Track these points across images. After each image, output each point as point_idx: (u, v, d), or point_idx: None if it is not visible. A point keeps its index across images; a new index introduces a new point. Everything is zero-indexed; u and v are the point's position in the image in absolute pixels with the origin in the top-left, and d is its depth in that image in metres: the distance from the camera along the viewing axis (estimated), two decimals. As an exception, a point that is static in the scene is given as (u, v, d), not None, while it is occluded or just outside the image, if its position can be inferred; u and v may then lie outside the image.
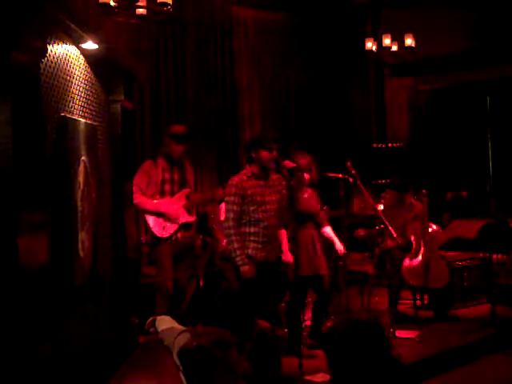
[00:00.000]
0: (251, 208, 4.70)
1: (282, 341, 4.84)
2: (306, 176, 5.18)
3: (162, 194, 5.48)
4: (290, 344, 4.79)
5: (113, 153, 4.70)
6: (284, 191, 4.83)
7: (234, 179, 4.78)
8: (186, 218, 5.49)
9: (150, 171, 5.45)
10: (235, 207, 4.68)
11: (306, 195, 5.21)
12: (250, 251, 4.68)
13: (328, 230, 5.41)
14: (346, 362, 2.22)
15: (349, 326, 2.29)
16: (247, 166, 4.86)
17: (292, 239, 4.88)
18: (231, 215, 4.68)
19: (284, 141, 8.11)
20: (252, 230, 4.71)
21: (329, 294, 5.25)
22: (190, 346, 2.47)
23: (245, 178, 4.75)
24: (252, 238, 4.70)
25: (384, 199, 6.41)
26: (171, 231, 5.41)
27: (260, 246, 4.71)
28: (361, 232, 6.29)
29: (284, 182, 4.78)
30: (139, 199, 5.33)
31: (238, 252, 4.62)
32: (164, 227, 5.36)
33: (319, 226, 5.34)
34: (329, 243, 5.41)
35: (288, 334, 5.00)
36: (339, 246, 5.40)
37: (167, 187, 5.51)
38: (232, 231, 4.66)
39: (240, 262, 4.61)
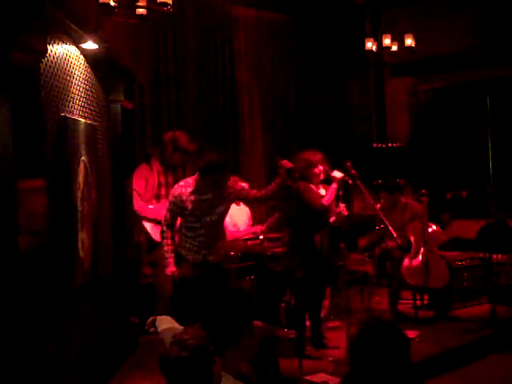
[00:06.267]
0: (189, 219, 4.72)
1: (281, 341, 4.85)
2: (317, 172, 5.10)
3: (158, 197, 5.46)
4: (296, 344, 4.78)
5: (113, 153, 4.70)
6: (232, 197, 4.80)
7: (177, 190, 4.72)
8: None
9: (146, 175, 5.42)
10: (172, 214, 4.72)
11: (320, 192, 5.18)
12: (184, 252, 4.73)
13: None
14: (368, 360, 2.22)
15: (376, 326, 2.30)
16: (198, 175, 4.71)
17: (295, 238, 4.88)
18: (169, 215, 4.72)
19: (283, 140, 8.20)
20: (189, 234, 4.76)
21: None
22: (173, 355, 2.45)
23: (188, 191, 4.68)
24: (189, 241, 4.75)
25: (381, 201, 6.41)
26: None
27: (195, 248, 4.74)
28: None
29: (231, 190, 4.75)
30: (138, 205, 5.31)
31: (165, 255, 4.70)
32: None
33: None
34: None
35: (297, 335, 4.97)
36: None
37: (163, 191, 5.48)
38: (165, 234, 4.71)
39: (166, 263, 4.68)
